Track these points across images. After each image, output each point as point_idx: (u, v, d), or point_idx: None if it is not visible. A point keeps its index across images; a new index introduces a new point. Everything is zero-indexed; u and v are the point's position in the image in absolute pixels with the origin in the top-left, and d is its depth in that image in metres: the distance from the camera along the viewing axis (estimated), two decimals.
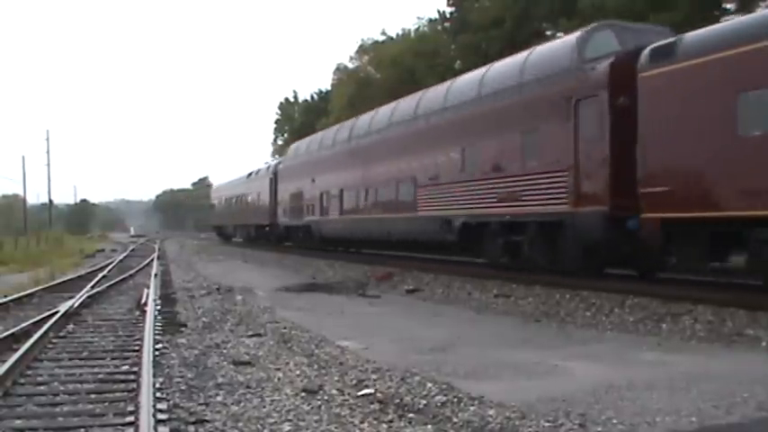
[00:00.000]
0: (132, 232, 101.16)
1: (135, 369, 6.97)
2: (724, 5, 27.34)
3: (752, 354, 8.04)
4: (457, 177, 17.00)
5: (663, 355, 8.13)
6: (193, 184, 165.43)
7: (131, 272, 20.22)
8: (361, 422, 5.28)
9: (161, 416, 5.22)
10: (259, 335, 9.37)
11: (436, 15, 44.87)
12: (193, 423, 5.23)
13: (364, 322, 11.39)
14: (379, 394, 6.06)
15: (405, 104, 21.28)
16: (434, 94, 19.39)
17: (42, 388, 6.42)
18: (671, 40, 11.76)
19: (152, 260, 25.33)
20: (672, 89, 11.03)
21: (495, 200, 15.38)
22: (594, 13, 24.41)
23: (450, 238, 17.26)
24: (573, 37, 14.45)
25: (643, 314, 10.31)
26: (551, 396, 6.01)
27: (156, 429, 4.88)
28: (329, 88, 62.04)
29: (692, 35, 11.27)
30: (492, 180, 15.58)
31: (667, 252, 11.56)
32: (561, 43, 15.27)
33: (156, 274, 18.65)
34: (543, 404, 5.75)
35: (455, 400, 5.86)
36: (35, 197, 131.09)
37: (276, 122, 77.49)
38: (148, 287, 14.38)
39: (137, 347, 8.15)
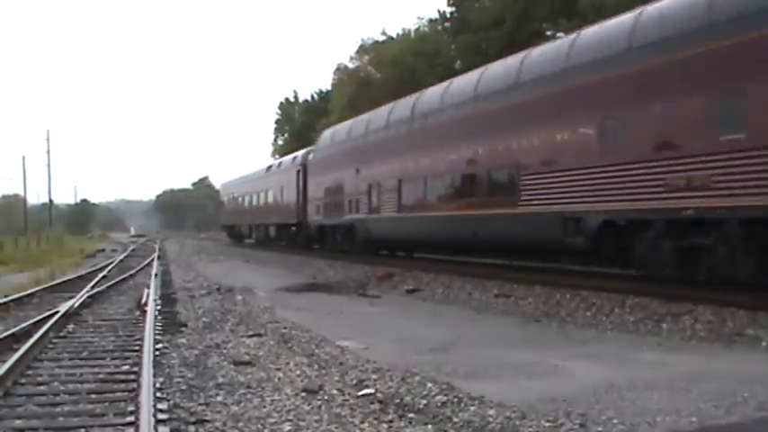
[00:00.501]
0: (132, 232, 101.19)
1: (135, 369, 6.97)
2: None
3: (752, 354, 8.04)
4: (591, 159, 12.85)
5: (663, 355, 8.13)
6: (194, 184, 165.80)
7: (132, 272, 20.22)
8: (362, 422, 5.28)
9: (161, 416, 5.22)
10: (259, 335, 9.37)
11: (436, 15, 44.98)
12: (194, 423, 5.23)
13: (364, 322, 11.39)
14: (379, 394, 6.06)
15: (497, 70, 16.77)
16: (546, 55, 15.02)
17: (43, 388, 6.41)
18: None
19: (152, 260, 25.33)
20: None
21: (661, 189, 11.29)
22: (594, 13, 24.43)
23: (577, 242, 13.18)
24: None
25: (643, 314, 10.31)
26: (552, 396, 6.01)
27: (156, 429, 4.88)
28: (329, 88, 62.06)
29: None
30: (658, 162, 11.38)
31: None
32: None
33: (156, 274, 18.65)
34: (543, 404, 5.75)
35: (455, 400, 5.85)
36: (35, 197, 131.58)
37: (276, 122, 77.50)
38: (149, 287, 14.38)
39: (137, 347, 8.15)
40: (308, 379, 6.73)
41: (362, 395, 6.05)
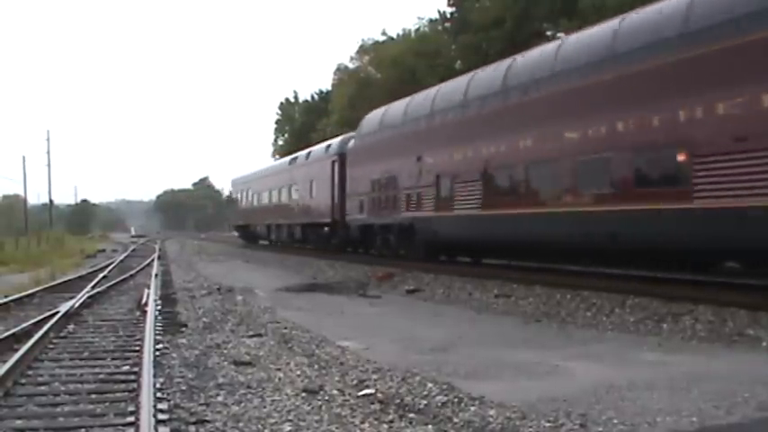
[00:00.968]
0: (133, 232, 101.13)
1: (135, 369, 6.96)
2: None
3: (752, 354, 8.04)
4: None
5: (663, 355, 8.13)
6: (194, 185, 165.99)
7: (132, 272, 20.23)
8: (362, 422, 5.28)
9: (161, 416, 5.22)
10: (260, 335, 9.36)
11: (437, 15, 44.98)
12: (194, 423, 5.23)
13: (365, 322, 11.39)
14: (379, 394, 6.06)
15: (644, 19, 12.55)
16: None
17: (43, 388, 6.41)
18: None
19: (152, 260, 25.33)
20: None
21: None
22: (595, 13, 24.44)
23: None
24: None
25: (644, 314, 10.31)
26: (552, 396, 6.01)
27: (156, 429, 4.88)
28: (330, 88, 62.08)
29: None
30: None
31: None
32: None
33: (156, 275, 18.66)
34: (544, 404, 5.74)
35: (456, 400, 5.85)
36: (36, 197, 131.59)
37: (276, 123, 77.54)
38: (149, 287, 14.38)
39: (137, 348, 8.15)
40: (308, 379, 6.73)
41: (363, 395, 6.05)
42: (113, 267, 22.38)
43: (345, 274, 19.90)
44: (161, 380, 6.45)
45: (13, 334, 8.68)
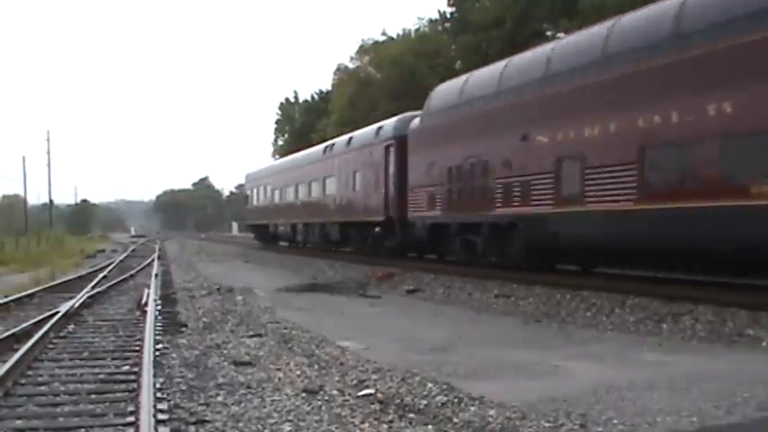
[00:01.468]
0: (133, 232, 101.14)
1: (135, 369, 6.97)
2: None
3: (752, 354, 8.04)
4: None
5: (663, 355, 8.13)
6: (194, 185, 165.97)
7: (132, 272, 20.23)
8: (362, 422, 5.28)
9: (161, 416, 5.22)
10: (260, 335, 9.37)
11: (437, 16, 45.00)
12: (194, 423, 5.23)
13: (365, 322, 11.39)
14: (379, 394, 6.06)
15: None
16: None
17: (43, 388, 6.41)
18: None
19: (152, 260, 25.33)
20: None
21: None
22: (595, 14, 24.44)
23: None
24: None
25: (644, 314, 10.31)
26: (552, 396, 6.01)
27: (156, 429, 4.88)
28: (330, 88, 62.10)
29: None
30: None
31: None
32: None
33: (156, 275, 18.66)
34: (544, 404, 5.74)
35: (456, 400, 5.85)
36: (36, 197, 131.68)
37: (276, 123, 77.51)
38: (149, 287, 14.38)
39: (137, 348, 8.15)
40: (308, 379, 6.73)
41: (363, 395, 6.05)
42: (113, 267, 22.38)
43: (345, 274, 19.92)
44: (161, 380, 6.45)
45: (13, 334, 8.69)
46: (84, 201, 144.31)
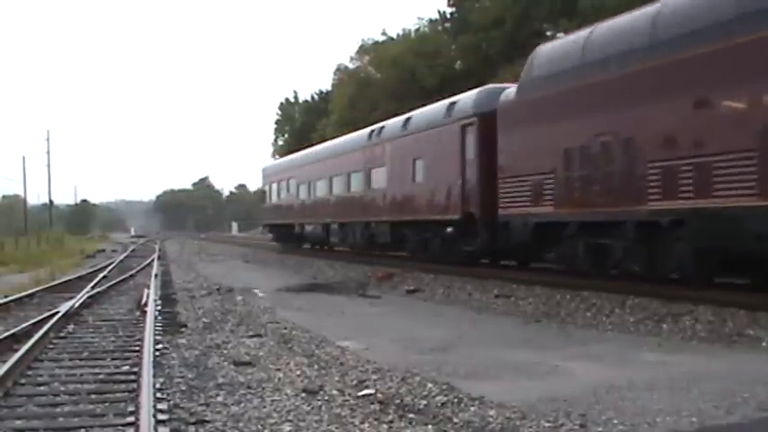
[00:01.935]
0: (133, 233, 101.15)
1: (135, 369, 6.96)
2: None
3: (752, 354, 8.04)
4: None
5: (663, 355, 8.13)
6: (194, 185, 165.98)
7: (132, 272, 20.22)
8: (362, 422, 5.28)
9: (161, 416, 5.22)
10: (259, 335, 9.37)
11: (437, 16, 45.02)
12: (194, 423, 5.23)
13: (365, 322, 11.39)
14: (379, 395, 6.06)
15: None
16: None
17: (43, 388, 6.41)
18: None
19: (152, 260, 25.33)
20: None
21: None
22: (595, 14, 24.44)
23: None
24: None
25: (643, 314, 10.31)
26: (552, 396, 6.01)
27: (156, 429, 4.88)
28: (330, 88, 62.13)
29: None
30: None
31: None
32: None
33: (156, 275, 18.66)
34: (544, 404, 5.74)
35: (455, 400, 5.85)
36: (35, 197, 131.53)
37: (276, 123, 77.53)
38: (149, 287, 14.38)
39: (137, 348, 8.14)
40: (308, 379, 6.73)
41: (363, 395, 6.05)
42: (113, 267, 22.38)
43: (345, 275, 19.92)
44: (161, 380, 6.45)
45: (13, 334, 8.69)
46: (84, 201, 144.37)
